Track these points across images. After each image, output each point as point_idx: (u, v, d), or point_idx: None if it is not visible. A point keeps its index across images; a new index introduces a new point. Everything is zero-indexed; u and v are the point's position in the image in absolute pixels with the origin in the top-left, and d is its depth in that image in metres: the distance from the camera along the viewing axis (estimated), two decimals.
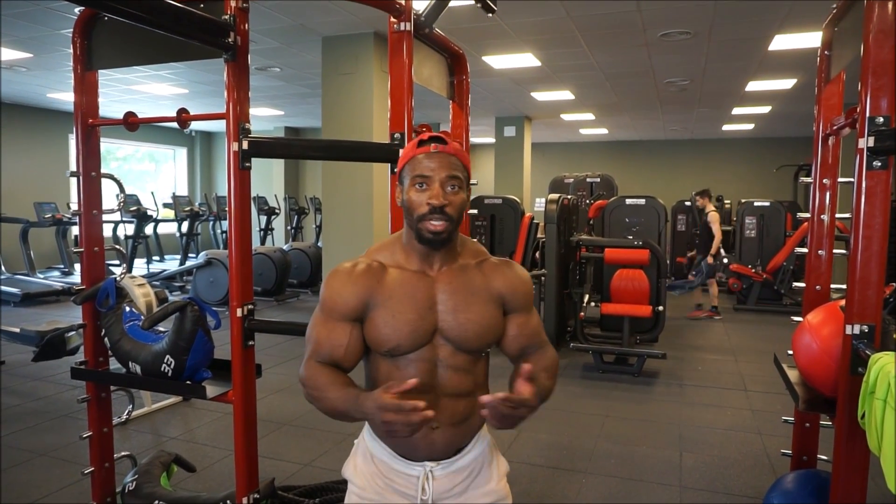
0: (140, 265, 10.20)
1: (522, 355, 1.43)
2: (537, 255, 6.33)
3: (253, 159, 1.97)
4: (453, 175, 1.30)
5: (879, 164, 1.56)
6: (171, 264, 10.37)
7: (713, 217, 7.50)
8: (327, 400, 1.29)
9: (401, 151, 2.04)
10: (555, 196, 5.82)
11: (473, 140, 14.28)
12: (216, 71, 7.32)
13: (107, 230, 8.87)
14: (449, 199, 1.29)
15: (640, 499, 3.02)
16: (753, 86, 7.87)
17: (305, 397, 1.35)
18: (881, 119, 1.55)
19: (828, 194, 2.29)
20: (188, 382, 2.14)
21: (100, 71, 2.32)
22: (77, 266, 9.33)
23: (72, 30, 2.25)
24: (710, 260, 7.44)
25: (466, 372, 1.36)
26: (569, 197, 6.19)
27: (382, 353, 1.33)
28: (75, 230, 2.39)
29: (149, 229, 10.28)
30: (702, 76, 7.37)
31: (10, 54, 6.66)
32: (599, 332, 5.70)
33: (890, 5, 1.53)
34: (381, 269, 1.35)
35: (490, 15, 2.45)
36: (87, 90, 2.29)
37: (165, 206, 10.70)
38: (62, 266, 9.60)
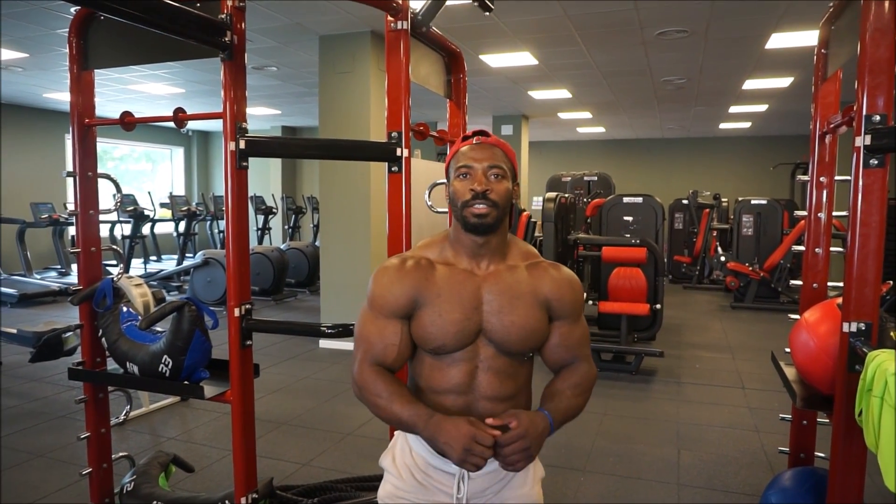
0: (137, 265, 10.18)
1: (560, 368, 1.43)
2: None
3: (250, 159, 1.96)
4: (495, 164, 1.32)
5: (876, 162, 1.56)
6: (169, 264, 10.35)
7: None
8: (389, 410, 1.29)
9: (398, 150, 2.06)
10: (552, 194, 5.82)
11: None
12: (213, 70, 7.31)
13: (103, 230, 8.83)
14: (492, 185, 1.31)
15: (637, 497, 3.02)
16: (750, 84, 7.88)
17: (356, 395, 1.35)
18: (878, 117, 1.56)
19: (825, 192, 2.30)
20: (186, 382, 2.14)
21: (96, 70, 2.31)
22: (74, 266, 9.31)
23: (68, 29, 2.24)
24: None
25: (507, 375, 1.36)
26: (566, 195, 6.20)
27: (427, 350, 1.34)
28: (72, 230, 2.39)
29: (146, 229, 10.25)
30: (699, 74, 7.38)
31: (6, 54, 6.63)
32: (597, 331, 5.71)
33: (886, 4, 1.53)
34: (429, 266, 1.36)
35: (487, 13, 2.45)
36: (83, 90, 2.28)
37: (162, 205, 10.68)
38: (59, 266, 9.57)
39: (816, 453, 2.39)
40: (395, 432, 1.49)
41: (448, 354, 1.33)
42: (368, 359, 1.34)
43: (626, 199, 7.10)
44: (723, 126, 11.93)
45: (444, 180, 1.41)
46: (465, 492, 1.37)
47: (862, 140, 1.57)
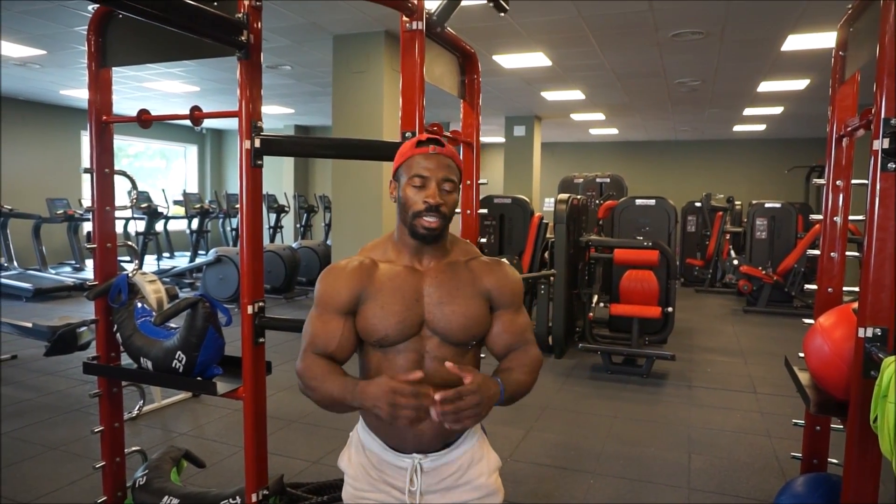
0: (150, 262, 10.26)
1: (507, 354, 1.46)
2: (546, 255, 6.32)
3: (263, 157, 1.98)
4: (448, 177, 1.37)
5: (894, 165, 1.55)
6: (181, 261, 10.43)
7: None
8: (323, 389, 1.33)
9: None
10: (564, 196, 5.81)
11: (483, 139, 14.26)
12: (228, 69, 7.35)
13: (118, 227, 8.93)
14: (444, 198, 1.35)
15: (648, 500, 3.01)
16: (766, 86, 7.82)
17: (300, 389, 1.39)
18: None
19: (841, 196, 2.27)
20: (199, 379, 2.15)
21: (113, 68, 2.34)
22: (88, 262, 9.41)
23: (86, 27, 2.26)
24: None
25: (454, 364, 1.38)
26: (578, 197, 6.17)
27: (372, 342, 1.38)
28: (87, 226, 2.41)
29: (159, 226, 10.35)
30: (714, 76, 7.33)
31: (23, 51, 6.71)
32: (608, 333, 5.69)
33: None
34: (372, 265, 1.41)
35: (502, 14, 2.45)
36: (101, 87, 2.30)
37: (176, 203, 10.77)
38: (73, 262, 9.68)
39: (830, 459, 2.37)
40: (350, 433, 1.54)
41: (393, 346, 1.37)
42: (310, 350, 1.39)
43: (638, 202, 7.07)
44: (737, 128, 11.84)
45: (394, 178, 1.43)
46: (419, 485, 1.40)
47: (880, 143, 1.55)
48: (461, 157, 2.70)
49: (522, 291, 1.51)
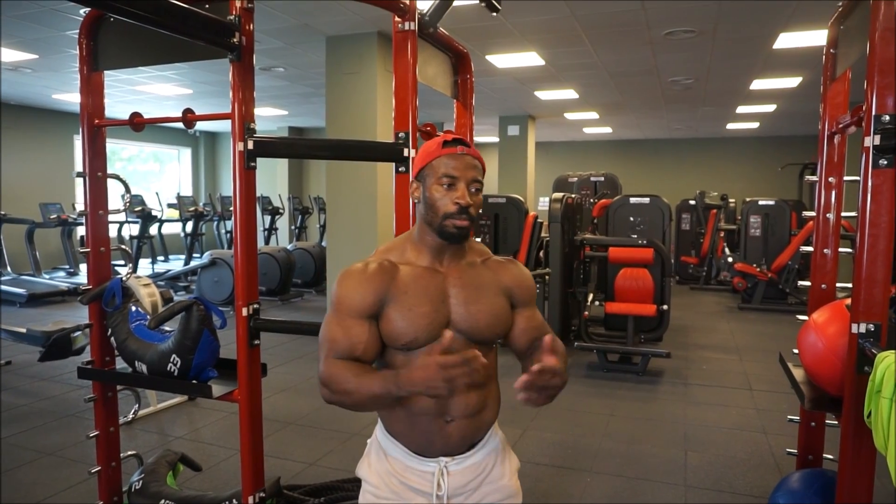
0: (144, 265, 10.23)
1: (530, 349, 1.46)
2: (541, 254, 6.33)
3: (257, 159, 1.97)
4: (476, 178, 1.36)
5: (885, 162, 1.55)
6: (176, 264, 10.40)
7: None
8: (361, 390, 1.26)
9: (406, 151, 2.06)
10: (559, 195, 5.82)
11: (477, 139, 14.25)
12: (221, 71, 7.33)
13: (111, 230, 8.90)
14: (473, 199, 1.35)
15: (644, 498, 3.02)
16: (758, 84, 7.85)
17: (326, 398, 1.31)
18: (887, 117, 1.55)
19: (833, 193, 2.28)
20: (194, 382, 2.15)
21: (105, 72, 2.33)
22: (82, 266, 9.36)
23: (77, 31, 2.25)
24: None
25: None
26: (573, 196, 6.18)
27: (398, 347, 1.35)
28: (80, 230, 2.40)
29: (153, 229, 10.32)
30: (706, 75, 7.35)
31: (15, 55, 6.68)
32: (604, 332, 5.70)
33: None
34: (392, 267, 1.37)
35: (494, 14, 2.45)
36: (92, 91, 2.29)
37: (170, 206, 10.74)
38: (67, 266, 9.63)
39: (825, 455, 2.38)
40: (368, 440, 1.50)
41: (420, 349, 1.34)
42: (332, 355, 1.32)
43: (632, 200, 7.07)
44: (730, 126, 11.88)
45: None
46: (445, 489, 1.38)
47: (871, 140, 1.56)
48: None
49: (536, 288, 1.52)
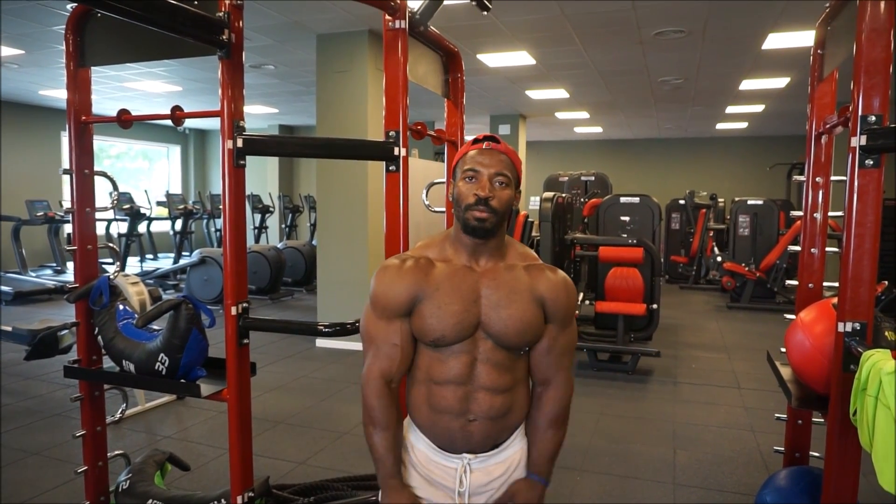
0: (133, 263, 10.15)
1: (541, 381, 1.46)
2: None
3: (247, 157, 1.96)
4: (502, 172, 1.36)
5: (872, 162, 1.57)
6: (165, 263, 10.33)
7: None
8: (372, 441, 1.40)
9: (396, 150, 2.06)
10: (549, 194, 5.83)
11: (468, 138, 14.26)
12: (210, 68, 7.28)
13: (100, 228, 8.83)
14: (495, 192, 1.34)
15: (634, 496, 3.03)
16: (747, 84, 7.90)
17: (362, 398, 1.42)
18: (873, 118, 1.56)
19: (820, 192, 2.30)
20: (182, 381, 2.13)
21: (93, 68, 2.31)
22: (69, 264, 9.28)
23: (64, 26, 2.23)
24: None
25: (505, 369, 1.39)
26: (563, 195, 6.20)
27: (427, 342, 1.37)
28: (68, 228, 2.38)
29: (142, 227, 10.23)
30: (696, 75, 7.39)
31: (1, 51, 6.61)
32: (594, 331, 5.71)
33: (882, 4, 1.54)
34: (428, 263, 1.39)
35: (485, 13, 2.45)
36: (79, 87, 2.27)
37: (159, 204, 10.66)
38: (54, 264, 9.54)
39: (811, 453, 2.40)
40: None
41: (447, 347, 1.35)
42: (377, 367, 1.38)
43: (623, 199, 7.10)
44: (720, 126, 11.95)
45: (442, 180, 1.44)
46: (467, 485, 1.41)
47: (858, 140, 1.57)
48: (446, 157, 2.70)
49: (575, 305, 1.47)
